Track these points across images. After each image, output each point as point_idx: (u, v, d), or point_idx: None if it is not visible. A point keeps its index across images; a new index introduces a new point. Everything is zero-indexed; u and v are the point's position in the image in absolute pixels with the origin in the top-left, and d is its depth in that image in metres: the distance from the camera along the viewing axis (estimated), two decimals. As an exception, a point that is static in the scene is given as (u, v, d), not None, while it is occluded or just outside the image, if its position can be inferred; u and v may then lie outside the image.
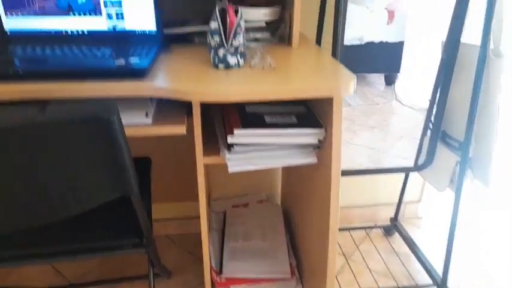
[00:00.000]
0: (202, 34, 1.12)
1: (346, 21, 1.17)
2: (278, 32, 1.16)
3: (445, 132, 1.32)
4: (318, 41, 1.24)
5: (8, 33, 1.00)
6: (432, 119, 1.36)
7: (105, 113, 0.62)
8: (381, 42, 4.01)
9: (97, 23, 1.01)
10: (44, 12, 0.98)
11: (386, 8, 4.00)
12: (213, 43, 0.87)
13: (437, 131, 1.30)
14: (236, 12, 0.94)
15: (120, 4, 1.00)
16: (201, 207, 0.98)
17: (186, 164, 1.50)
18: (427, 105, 3.49)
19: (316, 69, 0.90)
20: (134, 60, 0.85)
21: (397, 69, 4.02)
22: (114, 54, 0.89)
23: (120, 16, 1.01)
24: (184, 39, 1.12)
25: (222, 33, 0.85)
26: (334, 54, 1.15)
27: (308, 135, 0.94)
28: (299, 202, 1.30)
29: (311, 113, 1.00)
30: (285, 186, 1.55)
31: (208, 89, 0.79)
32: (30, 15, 0.99)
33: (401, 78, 3.72)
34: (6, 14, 0.98)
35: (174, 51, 1.04)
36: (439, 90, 1.29)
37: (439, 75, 1.31)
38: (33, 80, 0.78)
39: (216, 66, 0.89)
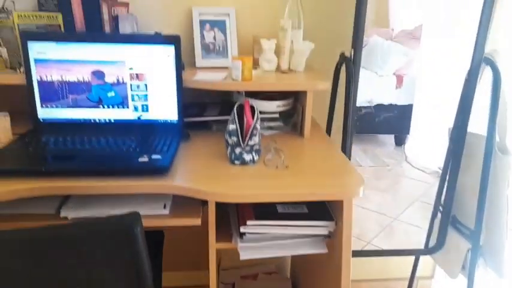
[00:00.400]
0: (220, 121, 1.20)
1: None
2: (291, 120, 1.23)
3: (456, 217, 1.34)
4: (329, 125, 1.30)
5: (41, 120, 1.08)
6: (442, 202, 1.38)
7: (129, 225, 0.66)
8: (390, 105, 4.10)
9: (124, 114, 1.10)
10: (76, 104, 1.07)
11: (394, 73, 4.13)
12: (230, 141, 0.94)
13: (447, 216, 1.31)
14: (252, 109, 1.01)
15: (146, 98, 1.09)
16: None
17: (197, 234, 1.52)
18: (437, 168, 3.48)
19: (327, 170, 0.94)
20: (156, 156, 0.91)
21: (406, 130, 4.08)
22: (138, 149, 0.95)
23: (145, 108, 1.10)
24: (203, 126, 1.19)
25: (239, 134, 0.91)
26: (344, 141, 1.20)
27: (319, 227, 0.97)
28: (309, 277, 1.30)
29: (322, 204, 1.03)
30: (295, 258, 1.55)
31: (224, 190, 0.84)
32: (63, 107, 1.07)
33: (411, 140, 3.77)
34: (41, 105, 1.07)
35: (194, 140, 1.11)
36: (447, 176, 1.32)
37: (447, 162, 1.34)
38: (62, 177, 0.84)
39: (232, 162, 0.95)
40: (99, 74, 1.06)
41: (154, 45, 1.05)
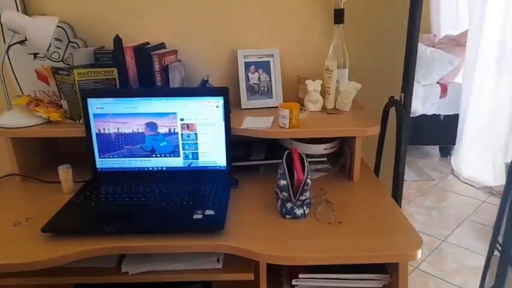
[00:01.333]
0: (267, 164, 1.21)
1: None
2: (339, 162, 1.22)
3: (516, 259, 1.27)
4: (377, 167, 1.28)
5: (99, 170, 1.14)
6: (499, 239, 1.31)
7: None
8: (434, 115, 3.90)
9: (175, 162, 1.13)
10: (131, 154, 1.12)
11: (438, 82, 3.93)
12: (281, 196, 0.95)
13: (507, 255, 1.25)
14: (301, 157, 1.02)
15: (196, 147, 1.12)
16: None
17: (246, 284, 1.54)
18: (487, 181, 3.28)
19: (382, 226, 0.92)
20: (210, 212, 0.94)
21: (452, 141, 3.86)
22: (191, 202, 0.98)
23: (195, 156, 1.13)
24: (250, 168, 1.21)
25: (291, 190, 0.92)
26: (395, 188, 1.17)
27: (373, 281, 0.95)
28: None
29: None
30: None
31: (275, 252, 0.84)
32: (119, 157, 1.13)
33: (457, 151, 3.56)
34: (100, 156, 1.13)
35: (242, 185, 1.12)
36: (505, 213, 1.25)
37: (504, 200, 1.27)
38: (122, 237, 0.89)
39: (283, 216, 0.96)
40: (152, 126, 1.10)
41: (204, 98, 1.08)
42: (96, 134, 1.11)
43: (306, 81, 1.23)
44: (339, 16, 1.24)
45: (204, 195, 1.03)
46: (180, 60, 1.31)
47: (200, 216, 0.92)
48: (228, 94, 1.08)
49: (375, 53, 1.36)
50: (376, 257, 0.83)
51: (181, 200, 1.00)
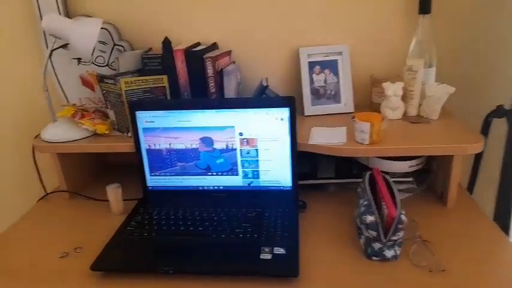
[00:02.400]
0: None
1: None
2: (424, 180, 1.02)
3: None
4: (471, 184, 1.07)
5: (150, 188, 1.03)
6: None
7: None
8: None
9: (233, 181, 1.00)
10: (184, 172, 1.00)
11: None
12: (366, 234, 0.78)
13: None
14: (387, 183, 0.84)
15: (256, 164, 0.97)
16: None
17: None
18: None
19: (499, 277, 0.74)
20: (280, 251, 0.79)
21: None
22: (256, 234, 0.84)
23: (255, 174, 0.98)
24: (317, 187, 1.05)
25: (381, 228, 0.75)
26: (503, 217, 0.97)
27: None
28: None
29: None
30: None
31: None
32: (172, 175, 1.01)
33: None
34: (150, 174, 1.01)
35: (310, 208, 0.97)
36: None
37: None
38: (178, 277, 0.76)
39: (369, 257, 0.79)
40: (207, 141, 0.97)
41: (267, 109, 0.92)
42: (147, 150, 0.99)
43: (383, 83, 1.04)
44: (425, 4, 1.02)
45: (270, 224, 0.88)
46: (234, 62, 1.16)
47: (269, 256, 0.78)
48: (294, 105, 0.92)
49: (472, 50, 1.12)
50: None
51: (245, 232, 0.86)
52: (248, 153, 0.97)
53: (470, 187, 1.07)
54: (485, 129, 1.02)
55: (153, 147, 0.99)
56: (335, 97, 1.14)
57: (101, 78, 1.03)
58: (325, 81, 1.14)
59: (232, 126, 0.95)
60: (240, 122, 0.94)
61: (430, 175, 1.02)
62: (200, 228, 0.88)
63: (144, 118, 0.96)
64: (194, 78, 1.05)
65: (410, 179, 0.99)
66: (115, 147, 1.02)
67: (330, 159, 1.13)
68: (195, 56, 1.03)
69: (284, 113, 0.92)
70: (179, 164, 1.00)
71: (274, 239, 0.83)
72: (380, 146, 0.90)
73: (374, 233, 0.76)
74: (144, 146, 0.99)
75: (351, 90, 1.13)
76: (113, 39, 1.12)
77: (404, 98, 1.06)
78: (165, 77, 1.01)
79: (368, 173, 0.89)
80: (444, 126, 0.99)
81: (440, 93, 1.00)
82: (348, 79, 1.13)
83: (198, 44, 1.13)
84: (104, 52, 1.13)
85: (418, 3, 1.03)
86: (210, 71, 1.03)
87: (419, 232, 0.83)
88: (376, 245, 0.77)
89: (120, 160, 1.24)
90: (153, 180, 1.02)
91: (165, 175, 1.01)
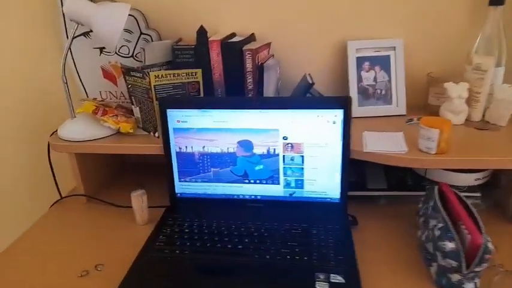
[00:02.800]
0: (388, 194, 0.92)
1: None
2: (491, 195, 0.90)
3: None
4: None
5: (179, 195, 0.92)
6: None
7: None
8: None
9: (273, 190, 0.88)
10: (218, 178, 0.89)
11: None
12: (443, 263, 0.66)
13: None
14: (461, 201, 0.72)
15: (301, 173, 0.85)
16: None
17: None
18: None
19: None
20: (338, 279, 0.67)
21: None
22: (306, 257, 0.72)
23: (299, 184, 0.87)
24: (366, 199, 0.93)
25: (463, 258, 0.63)
26: None
27: None
28: None
29: None
30: None
31: None
32: (204, 181, 0.89)
33: None
34: (180, 179, 0.90)
35: (362, 225, 0.85)
36: None
37: None
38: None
39: (441, 288, 0.67)
40: (246, 145, 0.85)
41: (318, 110, 0.80)
42: (177, 152, 0.88)
43: (445, 84, 0.91)
44: (498, -7, 0.89)
45: (320, 244, 0.77)
46: (273, 55, 1.04)
47: (326, 286, 0.66)
48: (350, 106, 0.80)
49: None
50: None
51: (293, 252, 0.74)
52: (292, 159, 0.85)
53: None
54: None
55: (184, 150, 0.87)
56: (385, 97, 1.02)
57: (127, 71, 0.91)
58: (375, 79, 1.01)
59: (277, 129, 0.83)
60: (285, 124, 0.82)
61: (497, 190, 0.89)
62: (240, 246, 0.77)
63: (176, 117, 0.85)
64: (230, 73, 0.93)
65: (477, 194, 0.87)
66: (142, 149, 0.91)
67: (378, 168, 1.01)
68: (233, 48, 0.91)
69: (337, 115, 0.80)
70: (213, 169, 0.88)
71: (329, 263, 0.72)
72: (449, 157, 0.78)
73: (454, 263, 0.64)
74: (174, 149, 0.88)
75: (403, 90, 1.01)
76: (139, 27, 1.01)
77: (468, 100, 0.93)
78: (199, 71, 0.89)
79: (435, 187, 0.77)
80: (517, 134, 0.86)
81: (511, 97, 0.88)
82: (401, 77, 1.00)
83: (234, 35, 1.01)
84: (129, 42, 1.02)
85: (488, -8, 0.90)
86: (249, 65, 0.91)
87: (500, 262, 0.71)
88: (455, 277, 0.65)
89: (140, 159, 1.13)
90: (183, 187, 0.91)
91: (196, 181, 0.90)
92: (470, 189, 0.89)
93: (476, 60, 0.91)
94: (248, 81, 0.93)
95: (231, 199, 0.90)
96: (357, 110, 1.01)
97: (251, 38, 1.00)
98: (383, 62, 1.01)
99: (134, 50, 1.03)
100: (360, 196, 0.93)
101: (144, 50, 1.00)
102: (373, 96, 1.02)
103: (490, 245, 0.62)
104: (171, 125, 0.86)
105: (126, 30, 1.00)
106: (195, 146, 0.87)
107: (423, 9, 0.99)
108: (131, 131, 0.95)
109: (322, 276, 0.68)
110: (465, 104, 0.92)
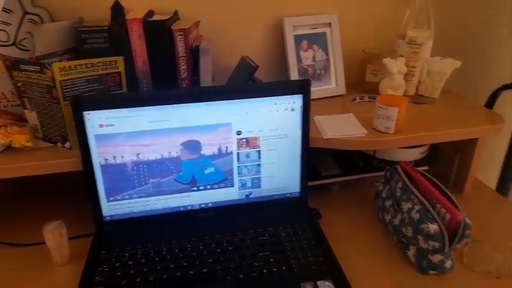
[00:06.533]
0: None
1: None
2: (434, 167, 0.92)
3: None
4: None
5: (107, 219, 0.73)
6: None
7: None
8: None
9: (227, 194, 0.76)
10: (159, 190, 0.72)
11: None
12: (424, 246, 0.63)
13: None
14: (425, 177, 0.71)
15: (258, 170, 0.75)
16: None
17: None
18: None
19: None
20: (325, 285, 0.60)
21: None
22: (285, 267, 0.63)
23: (256, 183, 0.76)
24: (320, 189, 0.87)
25: (447, 239, 0.61)
26: None
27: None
28: None
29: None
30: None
31: None
32: (141, 197, 0.72)
33: None
34: (108, 199, 0.71)
35: (326, 217, 0.79)
36: None
37: None
38: None
39: (424, 272, 0.65)
40: (193, 146, 0.70)
41: (275, 97, 0.70)
42: (102, 165, 0.68)
43: (383, 60, 0.89)
44: (423, -34, 0.89)
45: (294, 247, 0.68)
46: (202, 37, 0.89)
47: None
48: (309, 90, 0.72)
49: (468, 18, 1.04)
50: None
51: (268, 265, 0.64)
52: (248, 156, 0.74)
53: (504, 185, 1.01)
54: (489, 105, 0.96)
55: (112, 161, 0.68)
56: (325, 77, 0.96)
57: (14, 64, 0.67)
58: (313, 58, 0.95)
59: (229, 123, 0.70)
60: (238, 116, 0.70)
61: (439, 161, 0.92)
62: (204, 270, 0.63)
63: (98, 121, 0.65)
64: (157, 59, 0.76)
65: (426, 168, 0.88)
66: (48, 167, 0.68)
67: (326, 154, 0.96)
68: (160, 28, 0.73)
69: (296, 101, 0.71)
70: (151, 180, 0.71)
71: (310, 268, 0.64)
72: (407, 135, 0.76)
73: (437, 244, 0.61)
74: (97, 161, 0.68)
75: (342, 69, 0.97)
76: (22, 4, 0.75)
77: (404, 75, 0.93)
78: (120, 59, 0.70)
79: (398, 168, 0.75)
80: (453, 105, 0.89)
81: (445, 69, 0.90)
82: (338, 56, 0.96)
83: (152, 12, 0.83)
84: (8, 25, 0.75)
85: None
86: (181, 48, 0.75)
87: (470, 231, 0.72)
88: (436, 257, 0.63)
89: (47, 178, 0.88)
90: (113, 208, 0.72)
91: (131, 198, 0.72)
92: (417, 163, 0.90)
93: (410, 34, 0.91)
94: (181, 68, 0.77)
95: (178, 212, 0.75)
96: (298, 93, 0.94)
97: (175, 16, 0.84)
98: (320, 40, 0.95)
99: (17, 35, 0.77)
100: (313, 186, 0.87)
101: (31, 34, 0.75)
102: (313, 76, 0.96)
103: (467, 220, 0.62)
104: (92, 131, 0.66)
105: (4, 10, 0.73)
106: (127, 154, 0.68)
107: (353, -17, 0.96)
108: (28, 144, 0.71)
109: (309, 286, 0.60)
110: (403, 79, 0.92)
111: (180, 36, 0.74)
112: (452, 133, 0.77)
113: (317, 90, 0.95)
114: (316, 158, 0.94)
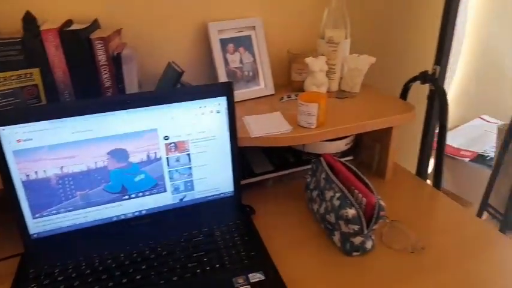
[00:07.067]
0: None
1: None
2: (358, 156, 0.99)
3: None
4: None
5: (35, 238, 0.70)
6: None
7: None
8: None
9: (160, 200, 0.76)
10: (88, 203, 0.71)
11: None
12: (345, 230, 0.68)
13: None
14: (345, 166, 0.76)
15: (189, 173, 0.76)
16: None
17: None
18: None
19: (472, 240, 0.74)
20: (258, 277, 0.62)
21: None
22: (218, 264, 0.65)
23: (189, 186, 0.77)
24: (253, 186, 0.91)
25: (364, 221, 0.66)
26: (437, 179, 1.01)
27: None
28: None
29: None
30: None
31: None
32: (69, 211, 0.71)
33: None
34: (34, 216, 0.69)
35: (258, 212, 0.82)
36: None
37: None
38: None
39: (348, 254, 0.70)
40: (119, 154, 0.70)
41: (199, 101, 0.72)
42: (23, 182, 0.66)
43: (305, 59, 0.95)
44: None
45: (227, 245, 0.70)
46: (125, 44, 0.88)
47: (247, 287, 0.61)
48: (232, 92, 0.74)
49: (377, 19, 1.13)
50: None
51: (202, 264, 0.66)
52: (178, 160, 0.75)
53: (422, 169, 1.10)
54: (404, 97, 1.04)
55: (34, 176, 0.66)
56: (253, 79, 1.00)
57: None
58: (240, 61, 0.98)
59: (154, 129, 0.71)
60: (164, 122, 0.71)
61: (362, 150, 0.99)
62: (138, 277, 0.64)
63: (15, 136, 0.63)
64: (78, 69, 0.75)
65: (350, 158, 0.95)
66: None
67: (258, 152, 1.00)
68: (77, 38, 0.72)
69: (220, 103, 0.73)
70: (79, 193, 0.70)
71: (242, 263, 0.66)
72: (329, 128, 0.81)
73: (356, 227, 0.67)
74: (18, 178, 0.66)
75: (269, 70, 1.00)
76: None
77: (326, 72, 0.99)
78: (36, 71, 0.68)
79: (321, 160, 0.80)
80: (372, 98, 0.96)
81: (362, 65, 0.97)
82: (265, 57, 1.00)
83: (70, 22, 0.81)
84: None
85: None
86: (102, 57, 0.75)
87: (385, 212, 0.79)
88: (357, 240, 0.69)
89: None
90: (40, 224, 0.70)
91: (58, 213, 0.70)
92: (343, 154, 0.96)
93: (328, 33, 0.97)
94: (104, 76, 0.77)
95: (112, 223, 0.75)
96: (228, 95, 0.96)
97: (95, 25, 0.82)
98: (246, 43, 0.98)
99: None
100: (248, 184, 0.90)
101: None
102: (242, 78, 0.99)
103: (381, 202, 0.68)
104: (9, 147, 0.63)
105: None
106: (50, 168, 0.67)
107: (274, -13, 1.00)
108: None
109: (241, 280, 0.62)
110: (325, 77, 0.98)
111: (100, 45, 0.74)
112: (368, 124, 0.83)
113: (246, 91, 0.99)
114: (249, 156, 0.97)
